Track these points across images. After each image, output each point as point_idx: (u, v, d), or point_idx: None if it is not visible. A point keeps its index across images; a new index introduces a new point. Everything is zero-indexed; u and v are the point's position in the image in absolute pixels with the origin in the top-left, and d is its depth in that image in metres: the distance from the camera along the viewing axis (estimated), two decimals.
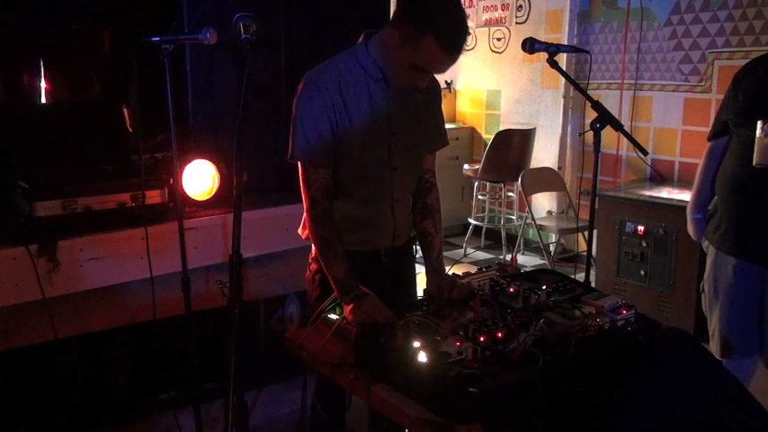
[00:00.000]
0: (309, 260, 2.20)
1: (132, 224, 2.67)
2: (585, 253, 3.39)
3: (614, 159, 5.33)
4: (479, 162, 5.77)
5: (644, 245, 4.29)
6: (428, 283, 2.09)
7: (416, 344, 1.63)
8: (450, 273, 2.13)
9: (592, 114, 2.22)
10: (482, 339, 1.66)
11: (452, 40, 1.81)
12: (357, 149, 2.00)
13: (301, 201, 2.05)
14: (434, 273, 2.13)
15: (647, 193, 4.50)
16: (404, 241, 2.24)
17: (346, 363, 1.76)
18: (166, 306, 2.71)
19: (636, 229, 4.32)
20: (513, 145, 5.61)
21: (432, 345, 1.63)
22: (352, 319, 1.83)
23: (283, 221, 3.08)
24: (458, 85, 6.69)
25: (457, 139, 6.39)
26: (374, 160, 2.05)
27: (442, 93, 2.28)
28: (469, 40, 6.46)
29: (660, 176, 4.99)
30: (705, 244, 2.69)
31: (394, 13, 1.89)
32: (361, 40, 2.04)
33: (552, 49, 2.21)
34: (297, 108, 1.98)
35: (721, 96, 2.63)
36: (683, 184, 4.72)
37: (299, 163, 2.01)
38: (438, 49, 1.79)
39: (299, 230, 2.20)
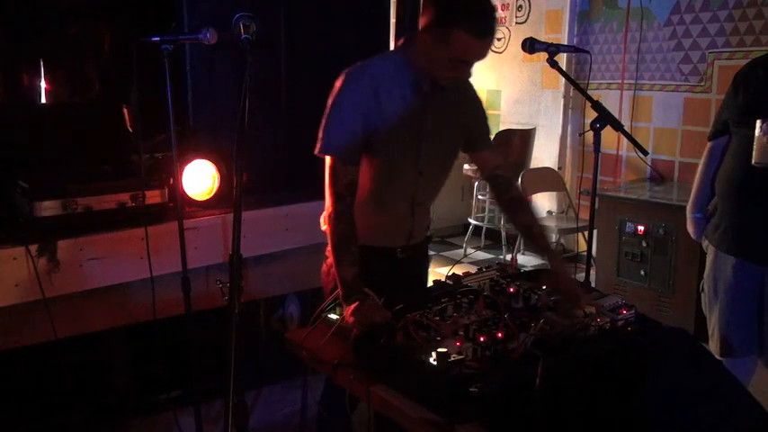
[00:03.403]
0: (326, 253, 2.19)
1: (132, 224, 2.67)
2: (585, 253, 3.39)
3: (614, 159, 5.33)
4: None
5: (644, 245, 4.29)
6: (559, 276, 2.02)
7: (416, 344, 1.63)
8: (451, 273, 2.14)
9: (592, 114, 2.23)
10: (482, 339, 1.66)
11: (480, 26, 1.83)
12: (385, 151, 2.03)
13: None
14: (561, 263, 2.07)
15: (647, 193, 4.50)
16: (419, 240, 2.26)
17: (346, 363, 1.76)
18: (166, 306, 2.71)
19: (636, 229, 4.31)
20: (513, 145, 5.61)
21: (432, 345, 1.63)
22: (352, 321, 1.83)
23: (283, 221, 3.08)
24: None
25: None
26: (401, 163, 2.07)
27: None
28: None
29: (660, 176, 4.99)
30: (705, 243, 2.69)
31: (421, 20, 1.93)
32: (400, 43, 2.08)
33: (552, 49, 2.21)
34: (333, 103, 2.00)
35: (721, 96, 2.63)
36: (683, 184, 4.72)
37: (326, 157, 2.01)
38: (469, 37, 1.83)
39: (322, 222, 2.16)
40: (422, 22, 1.91)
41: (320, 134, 2.01)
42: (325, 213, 2.04)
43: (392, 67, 2.03)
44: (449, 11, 1.84)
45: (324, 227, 2.16)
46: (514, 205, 2.22)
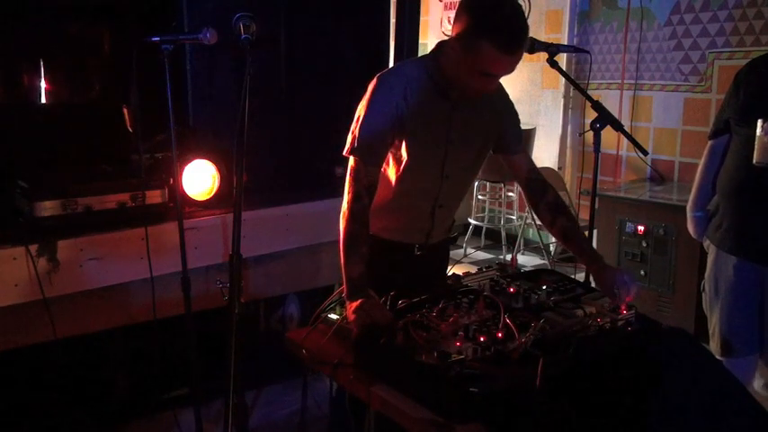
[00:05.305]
0: None
1: (132, 224, 2.67)
2: None
3: (614, 159, 5.33)
4: None
5: (644, 245, 4.29)
6: (599, 281, 2.03)
7: (416, 344, 1.63)
8: (451, 273, 2.14)
9: (592, 114, 2.22)
10: (482, 339, 1.66)
11: (509, 40, 1.84)
12: (412, 154, 2.05)
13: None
14: (600, 267, 2.04)
15: (647, 193, 4.50)
16: (438, 240, 2.28)
17: (346, 363, 1.76)
18: (166, 306, 2.71)
19: (636, 229, 4.31)
20: None
21: (432, 345, 1.63)
22: (353, 318, 1.83)
23: (283, 221, 3.08)
24: None
25: None
26: (426, 167, 2.09)
27: None
28: None
29: (660, 176, 4.99)
30: (706, 243, 2.69)
31: (453, 27, 1.94)
32: (434, 48, 2.09)
33: (552, 49, 2.21)
34: (366, 106, 2.02)
35: (721, 96, 2.63)
36: (683, 184, 4.72)
37: (350, 157, 2.03)
38: (496, 51, 1.83)
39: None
40: (454, 29, 1.93)
41: (350, 136, 2.03)
42: (341, 211, 2.05)
43: (423, 73, 2.05)
44: (480, 22, 1.85)
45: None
46: (552, 210, 2.18)
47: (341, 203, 2.02)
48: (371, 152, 2.02)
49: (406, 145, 2.04)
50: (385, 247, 2.11)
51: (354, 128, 2.03)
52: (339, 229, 2.02)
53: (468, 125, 2.10)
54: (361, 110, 2.03)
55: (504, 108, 2.23)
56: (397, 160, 2.07)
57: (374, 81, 2.05)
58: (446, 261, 2.42)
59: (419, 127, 2.03)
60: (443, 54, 2.01)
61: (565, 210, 2.18)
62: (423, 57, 2.13)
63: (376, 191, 2.05)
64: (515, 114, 2.26)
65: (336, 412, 2.25)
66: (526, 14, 5.90)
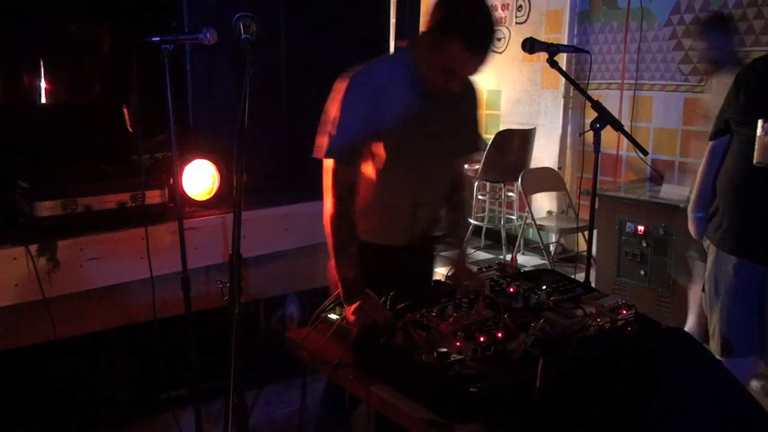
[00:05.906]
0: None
1: (132, 224, 2.67)
2: (585, 253, 3.38)
3: (614, 159, 5.33)
4: (479, 162, 5.77)
5: (644, 245, 4.29)
6: (452, 268, 2.23)
7: (416, 344, 1.63)
8: (451, 273, 2.15)
9: (592, 114, 2.22)
10: (482, 339, 1.66)
11: (476, 41, 1.84)
12: (388, 152, 2.03)
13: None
14: (457, 259, 2.29)
15: (648, 193, 4.50)
16: (422, 240, 2.27)
17: (346, 363, 1.76)
18: (166, 306, 2.71)
19: (636, 229, 4.31)
20: (513, 145, 5.61)
21: (432, 345, 1.63)
22: (354, 319, 1.83)
23: (283, 221, 3.08)
24: None
25: None
26: (404, 164, 2.07)
27: None
28: None
29: (660, 176, 4.99)
30: (706, 243, 2.69)
31: (427, 20, 1.93)
32: (406, 44, 2.08)
33: (552, 49, 2.21)
34: (338, 106, 1.99)
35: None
36: (683, 184, 4.72)
37: (324, 159, 2.01)
38: (463, 50, 1.83)
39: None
40: (426, 24, 1.92)
41: (324, 138, 2.00)
42: (325, 215, 2.03)
43: (395, 69, 2.03)
44: (448, 19, 1.85)
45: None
46: (455, 204, 2.36)
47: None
48: (348, 153, 2.00)
49: (383, 143, 2.02)
50: (368, 250, 2.08)
51: (330, 128, 1.98)
52: (326, 234, 2.01)
53: (445, 120, 2.09)
54: (333, 111, 1.99)
55: (471, 105, 2.25)
56: (375, 159, 2.05)
57: (345, 81, 2.00)
58: (432, 261, 2.41)
59: (395, 124, 2.00)
60: (415, 47, 2.00)
61: (457, 207, 2.37)
62: (396, 53, 2.12)
63: (356, 190, 2.04)
64: (477, 111, 2.29)
65: (327, 410, 2.24)
66: (526, 14, 5.93)
